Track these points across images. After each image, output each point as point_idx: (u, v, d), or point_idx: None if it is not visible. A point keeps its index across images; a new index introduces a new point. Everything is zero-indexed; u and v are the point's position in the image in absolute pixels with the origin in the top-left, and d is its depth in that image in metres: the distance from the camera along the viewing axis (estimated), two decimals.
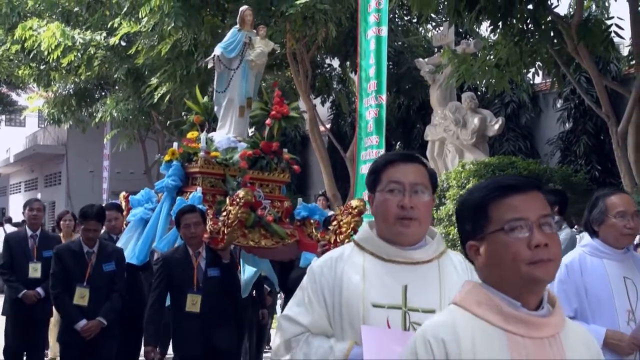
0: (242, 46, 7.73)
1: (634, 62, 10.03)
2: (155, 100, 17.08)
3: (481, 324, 1.88)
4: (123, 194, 7.91)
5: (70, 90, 23.10)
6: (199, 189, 6.90)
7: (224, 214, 6.34)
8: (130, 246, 7.10)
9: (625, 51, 13.43)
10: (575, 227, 7.48)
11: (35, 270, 7.77)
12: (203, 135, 7.28)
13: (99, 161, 28.24)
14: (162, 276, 6.04)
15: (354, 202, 6.32)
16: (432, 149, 14.40)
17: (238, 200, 6.23)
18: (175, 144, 7.52)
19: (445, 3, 9.54)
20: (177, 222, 6.19)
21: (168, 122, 20.19)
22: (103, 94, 23.39)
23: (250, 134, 8.01)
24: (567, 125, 15.48)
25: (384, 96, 13.04)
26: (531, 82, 15.70)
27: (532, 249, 1.86)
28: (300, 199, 7.57)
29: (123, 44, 17.53)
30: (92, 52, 17.81)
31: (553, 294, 2.00)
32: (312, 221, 7.24)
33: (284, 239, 6.85)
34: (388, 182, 2.59)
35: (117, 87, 21.48)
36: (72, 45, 17.38)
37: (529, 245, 1.87)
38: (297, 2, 13.07)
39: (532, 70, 11.00)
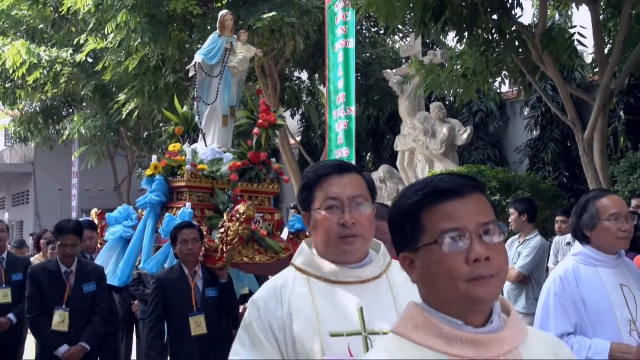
0: (224, 52, 7.48)
1: (597, 69, 10.16)
2: (124, 116, 16.99)
3: (422, 352, 1.62)
4: (95, 211, 7.56)
5: (37, 108, 22.88)
6: (189, 204, 6.55)
7: (222, 230, 6.07)
8: (110, 266, 6.76)
9: (589, 59, 13.64)
10: (556, 237, 7.53)
11: (5, 296, 7.31)
12: (188, 147, 6.98)
13: (68, 179, 27.98)
14: (158, 298, 5.71)
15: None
16: (402, 159, 14.46)
17: (239, 216, 5.96)
18: (154, 157, 7.24)
19: (412, 15, 9.59)
20: (173, 239, 5.86)
21: (146, 134, 20.05)
22: (70, 111, 23.19)
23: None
24: (534, 133, 15.63)
25: (353, 108, 13.14)
26: (498, 91, 15.84)
27: (471, 264, 1.60)
28: (292, 211, 7.41)
29: (90, 60, 17.43)
30: (58, 69, 17.68)
31: (507, 301, 1.76)
32: (307, 234, 6.83)
33: (279, 254, 6.56)
34: (325, 199, 2.35)
35: (84, 104, 21.33)
36: (38, 62, 17.23)
37: (467, 259, 1.61)
38: (265, 16, 13.10)
39: (499, 79, 11.09)
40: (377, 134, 19.42)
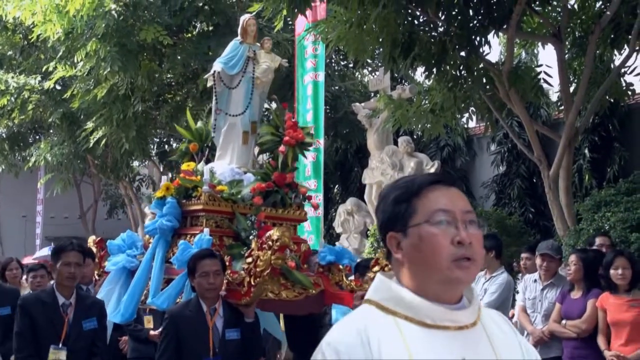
0: (245, 61, 6.68)
1: (562, 107, 10.31)
2: (91, 144, 16.84)
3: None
4: (93, 237, 6.82)
5: (3, 134, 22.61)
6: (206, 230, 5.73)
7: (249, 260, 5.29)
8: (112, 301, 5.94)
9: (554, 97, 13.85)
10: (526, 275, 7.55)
11: None
12: (205, 166, 6.23)
13: (32, 206, 27.60)
14: (169, 337, 4.92)
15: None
16: (370, 192, 14.49)
17: (271, 243, 5.16)
18: (164, 178, 6.44)
19: (381, 50, 9.68)
20: (190, 270, 5.07)
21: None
22: (37, 137, 22.97)
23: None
24: (501, 168, 15.77)
25: (322, 140, 13.19)
26: (465, 126, 16.01)
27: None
28: (322, 241, 6.67)
29: (58, 87, 17.29)
30: (26, 96, 17.50)
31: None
32: (340, 267, 6.06)
33: (308, 289, 5.66)
34: (433, 211, 1.87)
35: (51, 131, 21.13)
36: (5, 89, 17.08)
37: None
38: None
39: (466, 115, 11.23)
40: (345, 166, 19.47)
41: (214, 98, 6.76)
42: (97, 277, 6.55)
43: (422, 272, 1.86)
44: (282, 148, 6.30)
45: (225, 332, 4.99)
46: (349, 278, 6.01)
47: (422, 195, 1.90)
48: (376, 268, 5.44)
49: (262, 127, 6.72)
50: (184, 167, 6.38)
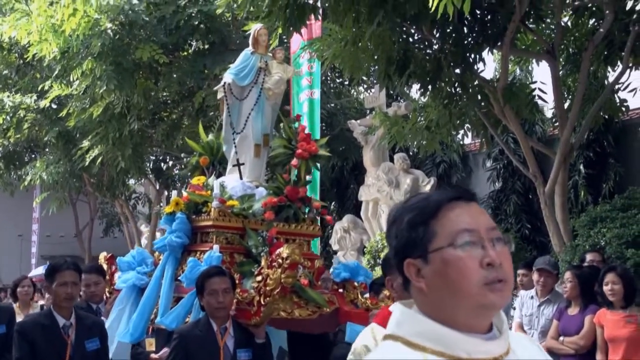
0: (257, 72, 6.49)
1: (557, 123, 10.35)
2: (87, 162, 16.83)
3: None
4: (104, 254, 6.56)
5: None
6: (216, 246, 5.54)
7: (259, 279, 5.13)
8: (123, 321, 5.70)
9: (549, 113, 13.89)
10: (521, 291, 7.54)
11: None
12: (215, 180, 5.99)
13: (28, 225, 27.56)
14: (178, 357, 4.71)
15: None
16: (366, 209, 14.50)
17: (281, 261, 4.98)
18: (174, 192, 6.30)
19: (376, 67, 9.72)
20: (199, 289, 4.86)
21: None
22: (33, 156, 22.95)
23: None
24: (496, 184, 15.79)
25: None
26: (461, 142, 16.04)
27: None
28: (336, 257, 6.44)
29: (54, 106, 17.30)
30: (21, 114, 17.51)
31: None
32: (355, 284, 5.91)
33: (322, 308, 5.46)
34: (456, 232, 1.65)
35: (47, 150, 21.13)
36: (1, 108, 17.11)
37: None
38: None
39: (462, 131, 11.25)
40: (341, 183, 19.48)
41: (225, 110, 6.56)
42: (107, 295, 6.31)
43: (450, 300, 1.64)
44: (294, 161, 6.14)
45: (237, 352, 4.79)
46: (365, 296, 5.79)
47: (441, 215, 1.68)
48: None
49: (274, 139, 6.55)
50: (193, 181, 6.18)
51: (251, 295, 5.11)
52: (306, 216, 6.09)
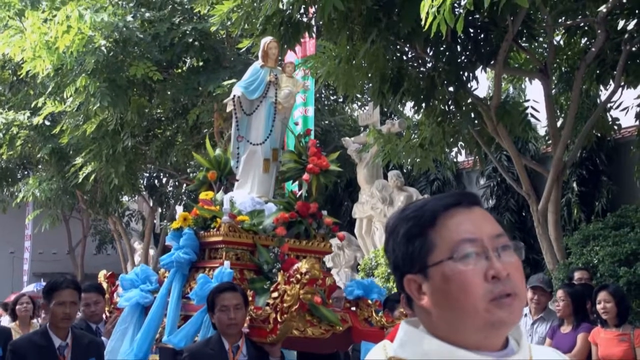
0: (266, 86, 6.39)
1: (550, 142, 10.39)
2: (80, 179, 16.79)
3: None
4: (103, 272, 6.43)
5: None
6: (227, 262, 5.40)
7: (275, 295, 4.97)
8: (126, 340, 5.51)
9: (542, 131, 13.95)
10: None
11: None
12: (225, 196, 5.89)
13: (20, 242, 27.44)
14: None
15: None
16: (360, 226, 14.49)
17: (299, 276, 4.82)
18: (179, 209, 6.07)
19: (370, 85, 9.76)
20: (210, 305, 4.72)
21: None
22: (26, 173, 22.90)
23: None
24: (490, 202, 15.82)
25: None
26: (455, 160, 16.08)
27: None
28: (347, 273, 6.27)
29: (47, 123, 17.29)
30: (14, 131, 17.50)
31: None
32: (369, 302, 5.73)
33: (335, 326, 5.26)
34: (455, 243, 1.49)
35: (40, 167, 21.09)
36: None
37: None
38: (225, 83, 13.18)
39: (455, 149, 11.30)
40: (335, 200, 19.49)
41: (234, 124, 6.49)
42: (107, 314, 6.14)
43: (455, 319, 1.48)
44: (306, 176, 6.04)
45: None
46: (379, 314, 5.62)
47: (439, 224, 1.51)
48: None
49: (284, 154, 6.47)
50: (202, 196, 5.99)
51: (266, 312, 4.96)
52: (317, 232, 5.96)
